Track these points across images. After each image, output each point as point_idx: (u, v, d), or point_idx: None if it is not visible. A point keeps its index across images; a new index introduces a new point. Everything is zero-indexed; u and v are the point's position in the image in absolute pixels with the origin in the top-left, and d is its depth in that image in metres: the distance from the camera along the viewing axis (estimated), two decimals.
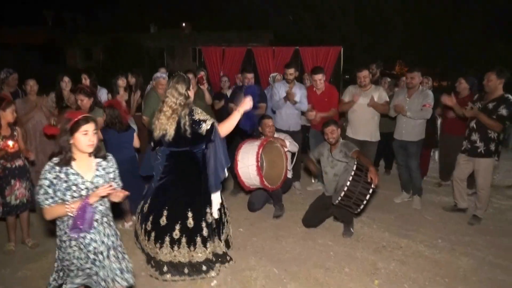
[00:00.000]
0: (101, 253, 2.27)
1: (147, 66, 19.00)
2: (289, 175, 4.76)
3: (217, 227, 3.36)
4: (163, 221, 3.13)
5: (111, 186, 2.19)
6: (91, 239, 2.24)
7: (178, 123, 3.01)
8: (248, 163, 4.14)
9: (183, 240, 3.12)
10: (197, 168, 3.20)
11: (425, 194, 5.34)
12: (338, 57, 7.05)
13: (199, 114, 3.05)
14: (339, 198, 3.66)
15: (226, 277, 3.21)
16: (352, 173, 3.60)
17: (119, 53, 22.39)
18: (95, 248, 2.26)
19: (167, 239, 3.11)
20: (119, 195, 2.22)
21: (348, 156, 3.96)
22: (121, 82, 5.41)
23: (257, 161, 4.07)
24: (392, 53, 21.73)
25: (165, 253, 3.12)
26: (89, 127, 2.17)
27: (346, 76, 13.32)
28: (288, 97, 5.01)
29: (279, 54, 7.37)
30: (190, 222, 3.14)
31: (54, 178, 2.15)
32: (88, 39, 29.34)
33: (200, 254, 3.17)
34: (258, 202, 4.65)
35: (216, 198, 3.25)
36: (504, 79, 4.04)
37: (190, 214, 3.15)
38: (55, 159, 2.20)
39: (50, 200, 2.14)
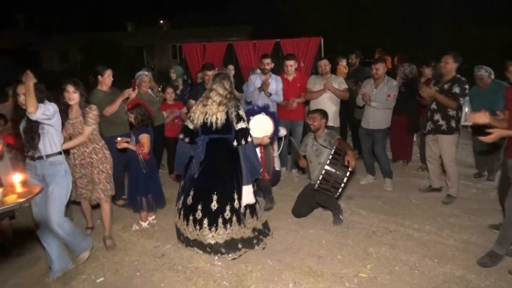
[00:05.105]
0: None
1: (125, 65, 18.70)
2: (277, 167, 4.79)
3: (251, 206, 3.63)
4: (214, 205, 3.36)
5: None
6: None
7: (227, 112, 3.35)
8: None
9: (234, 218, 3.39)
10: (234, 152, 3.44)
11: (409, 178, 5.46)
12: (319, 47, 7.08)
13: (243, 112, 3.44)
14: (318, 181, 3.81)
15: (221, 270, 3.23)
16: (330, 156, 3.74)
17: (97, 53, 21.94)
18: None
19: (220, 220, 3.35)
20: None
21: (331, 144, 4.09)
22: None
23: (261, 152, 4.23)
24: (371, 41, 21.91)
25: (221, 234, 3.34)
26: None
27: None
28: (263, 87, 5.07)
29: (260, 47, 7.35)
30: (236, 204, 3.42)
31: None
32: (64, 41, 28.68)
33: (248, 230, 3.48)
34: None
35: (247, 189, 3.48)
36: (458, 63, 4.36)
37: (236, 196, 3.43)
38: None
39: None
